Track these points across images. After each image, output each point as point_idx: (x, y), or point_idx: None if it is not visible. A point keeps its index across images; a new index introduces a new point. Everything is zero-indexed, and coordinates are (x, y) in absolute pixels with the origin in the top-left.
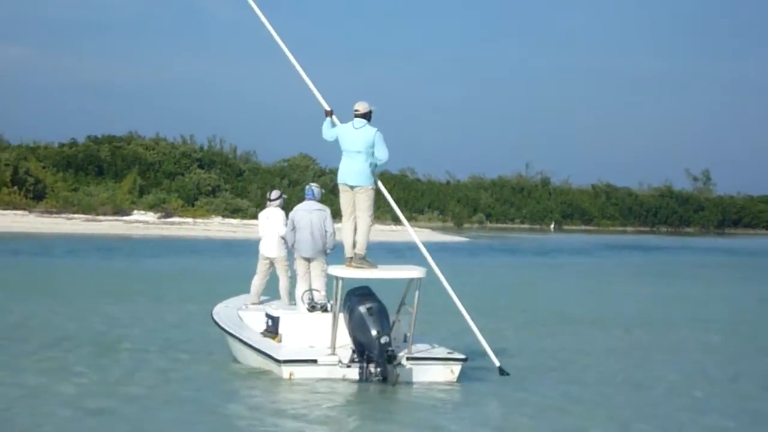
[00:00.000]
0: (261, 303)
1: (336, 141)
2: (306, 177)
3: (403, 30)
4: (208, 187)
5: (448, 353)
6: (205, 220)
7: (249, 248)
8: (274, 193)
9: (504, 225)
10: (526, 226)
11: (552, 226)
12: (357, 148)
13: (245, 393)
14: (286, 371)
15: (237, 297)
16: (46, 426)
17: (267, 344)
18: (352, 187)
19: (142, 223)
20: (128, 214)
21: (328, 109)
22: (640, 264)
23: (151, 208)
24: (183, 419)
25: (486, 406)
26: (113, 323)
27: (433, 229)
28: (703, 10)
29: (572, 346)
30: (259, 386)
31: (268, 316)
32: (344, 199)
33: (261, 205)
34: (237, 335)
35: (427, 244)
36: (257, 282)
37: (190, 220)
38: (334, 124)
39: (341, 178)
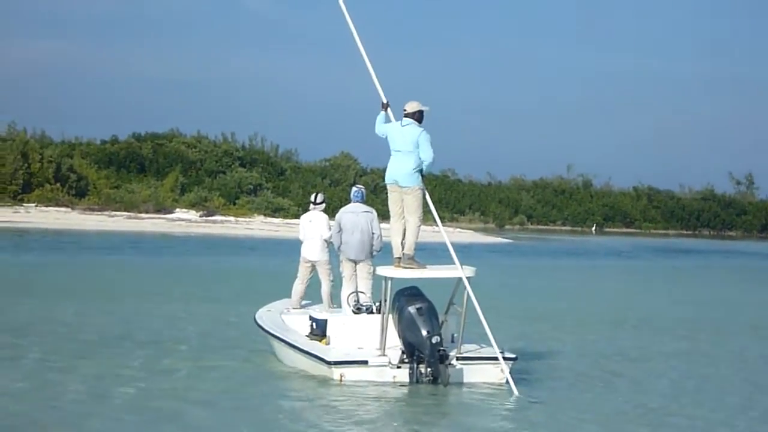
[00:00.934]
0: (302, 307)
1: (386, 139)
2: (347, 177)
3: (446, 26)
4: (250, 185)
5: (498, 353)
6: (247, 219)
7: (292, 247)
8: (319, 197)
9: (545, 227)
10: (567, 228)
11: (593, 228)
12: (401, 148)
13: (296, 396)
14: (336, 373)
15: (279, 301)
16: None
17: (315, 346)
18: (401, 188)
19: (185, 221)
20: (170, 212)
21: (384, 101)
22: (689, 268)
23: (192, 206)
24: (238, 423)
25: (536, 408)
26: (164, 324)
27: (474, 230)
28: (745, 12)
29: (626, 350)
30: (309, 389)
31: (313, 319)
32: (392, 199)
33: (302, 205)
34: (284, 338)
35: (470, 246)
36: (299, 286)
37: (232, 218)
38: (388, 119)
39: (389, 177)
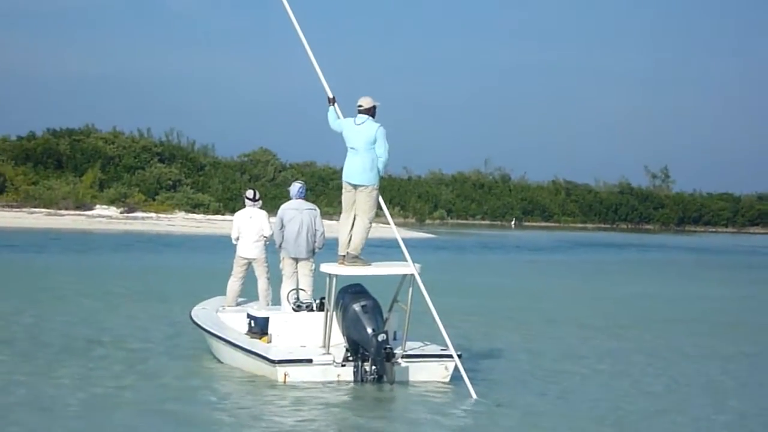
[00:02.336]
0: (238, 305)
1: (341, 136)
2: (267, 172)
3: (378, 21)
4: (169, 181)
5: (442, 350)
6: (169, 215)
7: (216, 244)
8: (257, 193)
9: (465, 221)
10: (486, 222)
11: (513, 222)
12: (358, 145)
13: (238, 396)
14: (281, 372)
15: (213, 299)
16: None
17: (257, 345)
18: (354, 186)
19: (105, 217)
20: (90, 209)
21: (330, 96)
22: (614, 262)
23: (112, 202)
24: (177, 427)
25: (483, 405)
26: (94, 325)
27: (396, 225)
28: (663, 6)
29: (558, 349)
30: (252, 388)
31: (251, 316)
32: (345, 196)
33: (222, 201)
34: (223, 336)
35: (393, 241)
36: (234, 284)
37: (153, 214)
38: (338, 115)
39: (345, 175)
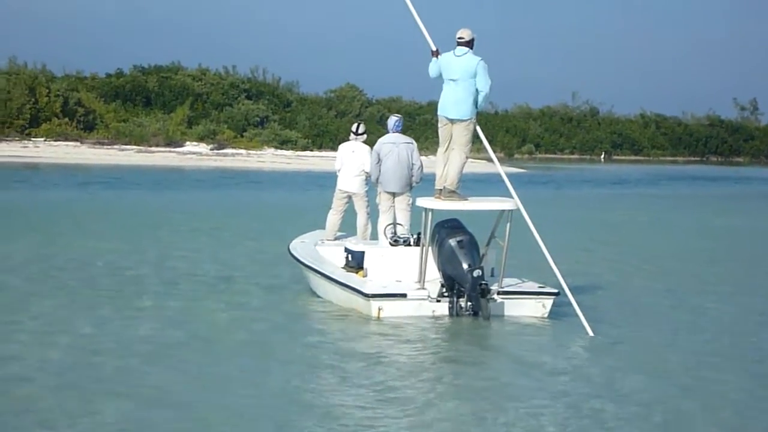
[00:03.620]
0: (337, 239)
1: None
2: (353, 108)
3: None
4: (257, 118)
5: (539, 287)
6: (258, 152)
7: (307, 180)
8: (361, 127)
9: (553, 155)
10: (575, 156)
11: (602, 156)
12: (456, 76)
13: (333, 330)
14: (374, 306)
15: (312, 232)
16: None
17: (353, 279)
18: (451, 120)
19: (195, 154)
20: (181, 146)
21: (434, 48)
22: (716, 195)
23: (201, 139)
24: (276, 358)
25: (564, 340)
26: (197, 260)
27: (486, 160)
28: None
29: (662, 284)
30: (346, 322)
31: (348, 250)
32: (442, 130)
33: (310, 137)
34: (319, 269)
35: (487, 176)
36: (334, 218)
37: (243, 151)
38: (439, 66)
39: (440, 109)
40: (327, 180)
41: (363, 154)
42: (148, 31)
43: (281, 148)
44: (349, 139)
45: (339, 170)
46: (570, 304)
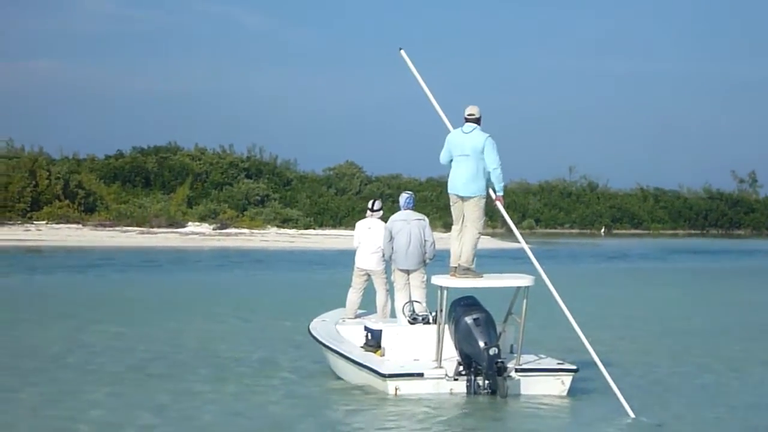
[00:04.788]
0: (358, 317)
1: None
2: (353, 185)
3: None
4: (257, 196)
5: (558, 364)
6: (262, 231)
7: (314, 259)
8: (377, 204)
9: (553, 230)
10: (575, 231)
11: (602, 230)
12: (464, 153)
13: (350, 411)
14: (391, 386)
15: (333, 311)
16: None
17: (370, 358)
18: (461, 198)
19: (198, 234)
20: (183, 226)
21: (451, 129)
22: (726, 270)
23: (202, 219)
24: None
25: (599, 421)
26: (216, 342)
27: (486, 236)
28: (739, 10)
29: (684, 358)
30: (364, 403)
31: (368, 329)
32: (454, 208)
33: (311, 215)
34: (337, 349)
35: (489, 251)
36: (353, 296)
37: (246, 230)
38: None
39: (450, 187)
40: (334, 258)
41: (379, 231)
42: (143, 113)
43: (283, 227)
44: (365, 216)
45: (357, 248)
46: (590, 379)
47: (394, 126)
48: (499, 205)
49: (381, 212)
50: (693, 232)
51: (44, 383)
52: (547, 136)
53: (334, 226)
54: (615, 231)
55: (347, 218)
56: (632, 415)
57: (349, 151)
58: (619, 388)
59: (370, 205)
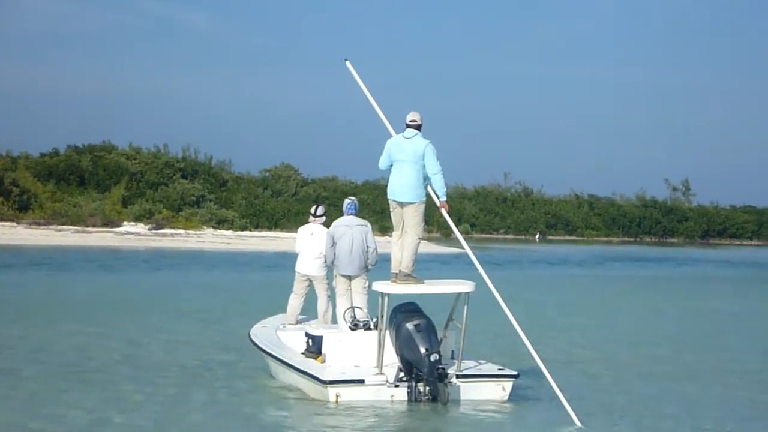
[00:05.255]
0: (299, 323)
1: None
2: (289, 187)
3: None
4: (193, 197)
5: (499, 369)
6: (198, 232)
7: (251, 261)
8: (320, 209)
9: (489, 235)
10: (510, 236)
11: (537, 236)
12: (405, 158)
13: (291, 418)
14: (332, 393)
15: (274, 317)
16: None
17: (311, 365)
18: (400, 203)
19: (134, 234)
20: (118, 225)
21: (393, 134)
22: (659, 277)
23: (137, 219)
24: None
25: (544, 429)
26: (151, 345)
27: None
28: (679, 18)
29: (625, 368)
30: (304, 409)
31: (308, 335)
32: (394, 214)
33: (247, 217)
34: (278, 356)
35: (425, 255)
36: (294, 302)
37: (182, 231)
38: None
39: (390, 193)
40: (271, 260)
41: (322, 237)
42: (76, 110)
43: (219, 228)
44: (307, 222)
45: (298, 253)
46: (531, 387)
47: (331, 129)
48: (444, 213)
49: (324, 218)
50: (627, 239)
51: None
52: (482, 141)
53: (270, 228)
54: (549, 237)
55: (283, 220)
56: (578, 423)
57: (285, 153)
58: (564, 396)
59: (312, 210)
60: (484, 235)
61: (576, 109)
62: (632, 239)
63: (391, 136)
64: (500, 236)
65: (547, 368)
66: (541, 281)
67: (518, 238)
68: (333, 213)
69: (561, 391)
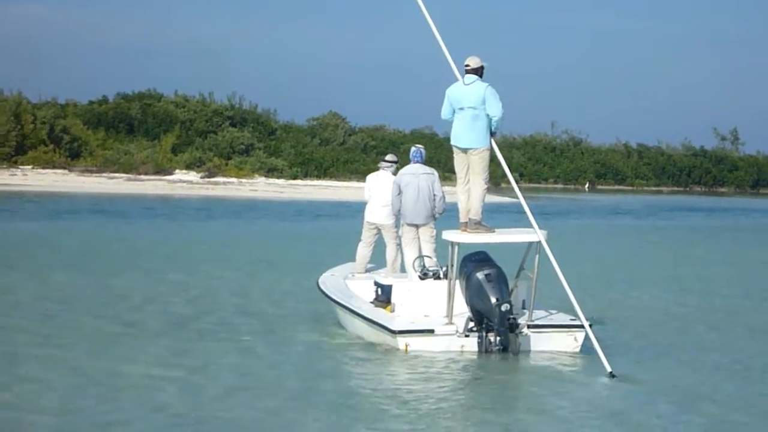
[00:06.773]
0: (367, 272)
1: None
2: (336, 136)
3: None
4: (242, 145)
5: (571, 320)
6: (251, 180)
7: (305, 209)
8: (390, 156)
9: (537, 185)
10: (559, 185)
11: (586, 186)
12: (466, 105)
13: (360, 367)
14: (401, 342)
15: (343, 265)
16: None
17: (380, 314)
18: (464, 150)
19: (186, 182)
20: (170, 174)
21: (459, 77)
22: (720, 227)
23: (188, 167)
24: (302, 397)
25: (612, 379)
26: (223, 294)
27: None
28: None
29: (690, 318)
30: (373, 359)
31: (378, 284)
32: (457, 161)
33: (295, 165)
34: (347, 305)
35: (493, 205)
36: (363, 250)
37: (234, 179)
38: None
39: (453, 139)
40: (327, 209)
41: (389, 185)
42: (119, 58)
43: (269, 176)
44: (379, 169)
45: (367, 201)
46: (601, 339)
47: (379, 76)
48: (493, 144)
49: (394, 166)
50: (676, 189)
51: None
52: (528, 90)
53: (318, 177)
54: (599, 187)
55: (332, 169)
56: (609, 369)
57: (331, 102)
58: (620, 345)
59: (384, 157)
60: (532, 185)
61: (621, 59)
62: (681, 189)
63: (446, 76)
64: (549, 185)
65: (612, 319)
66: (600, 231)
67: (567, 188)
68: (378, 159)
69: (608, 339)
